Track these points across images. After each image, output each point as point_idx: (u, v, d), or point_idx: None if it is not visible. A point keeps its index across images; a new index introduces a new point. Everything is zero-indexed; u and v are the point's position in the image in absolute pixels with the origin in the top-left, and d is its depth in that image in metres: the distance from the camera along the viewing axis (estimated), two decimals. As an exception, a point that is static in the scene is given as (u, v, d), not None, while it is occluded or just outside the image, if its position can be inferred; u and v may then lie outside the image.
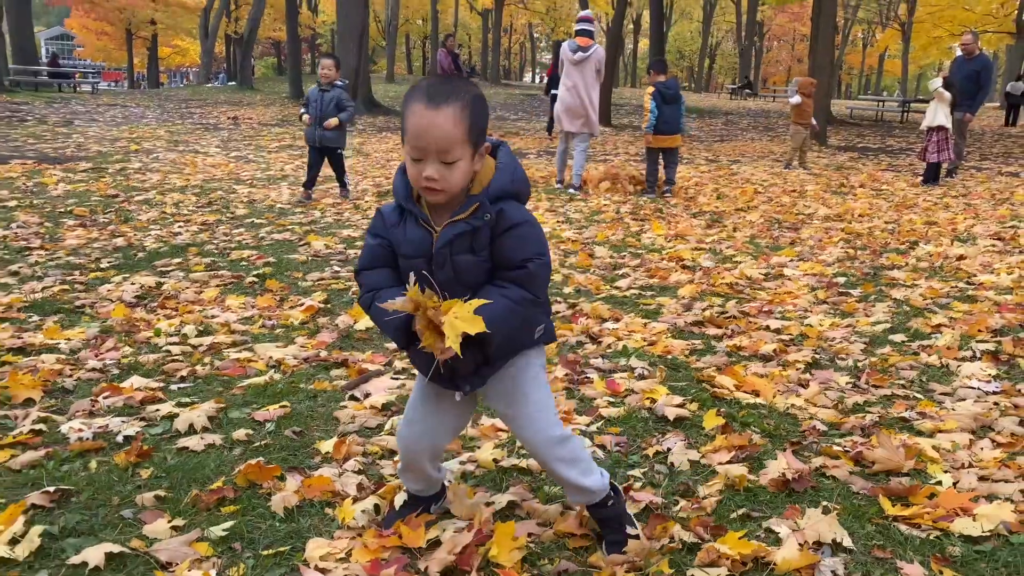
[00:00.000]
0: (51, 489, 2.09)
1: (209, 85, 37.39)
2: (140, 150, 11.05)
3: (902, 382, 3.14)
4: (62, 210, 6.33)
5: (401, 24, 45.98)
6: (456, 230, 1.68)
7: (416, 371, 1.90)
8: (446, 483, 2.13)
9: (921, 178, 10.18)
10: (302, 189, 7.45)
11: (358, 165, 10.36)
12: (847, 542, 1.96)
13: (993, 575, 1.86)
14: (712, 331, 3.76)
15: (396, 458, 1.94)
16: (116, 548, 1.85)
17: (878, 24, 49.19)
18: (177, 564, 1.79)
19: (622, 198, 8.28)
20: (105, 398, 2.73)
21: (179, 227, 5.91)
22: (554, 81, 14.76)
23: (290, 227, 6.09)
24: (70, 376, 2.96)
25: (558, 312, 4.07)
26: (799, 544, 1.93)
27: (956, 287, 4.70)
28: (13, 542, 1.85)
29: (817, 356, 3.43)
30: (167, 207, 6.71)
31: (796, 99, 11.45)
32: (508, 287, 1.69)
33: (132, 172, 8.77)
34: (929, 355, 3.44)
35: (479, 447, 2.46)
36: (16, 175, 8.10)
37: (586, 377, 3.12)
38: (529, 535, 1.97)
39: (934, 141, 9.74)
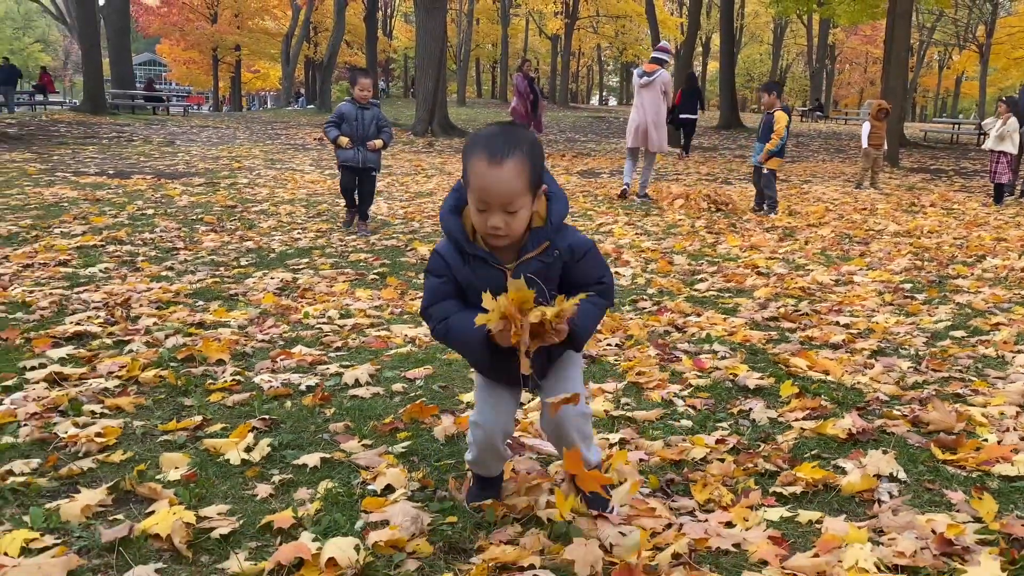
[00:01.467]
0: (264, 417, 2.69)
1: (290, 108, 39.05)
2: (242, 168, 11.95)
3: (959, 368, 3.53)
4: (193, 218, 7.11)
5: (472, 49, 47.21)
6: (530, 268, 1.86)
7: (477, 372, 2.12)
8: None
9: (993, 197, 10.35)
10: (346, 216, 7.08)
11: (444, 183, 11.02)
12: (902, 475, 2.40)
13: None
14: (786, 324, 4.20)
15: (466, 456, 2.18)
16: (327, 455, 2.42)
17: (955, 46, 48.32)
18: (374, 467, 2.35)
19: (696, 214, 8.72)
20: (281, 360, 3.35)
21: (297, 234, 6.61)
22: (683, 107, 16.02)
23: (394, 235, 6.73)
24: (245, 345, 3.59)
25: (644, 308, 4.56)
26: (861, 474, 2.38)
27: (1019, 294, 5.02)
28: (247, 450, 2.44)
29: (882, 346, 3.84)
30: (282, 216, 7.44)
31: (866, 126, 11.80)
32: (594, 296, 1.91)
33: (242, 186, 9.60)
34: (986, 348, 3.82)
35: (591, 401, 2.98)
36: (143, 188, 8.99)
37: (675, 356, 3.60)
38: (640, 460, 2.48)
39: (1001, 162, 9.95)
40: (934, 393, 3.16)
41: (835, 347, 3.82)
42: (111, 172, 10.55)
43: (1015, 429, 2.82)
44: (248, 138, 18.64)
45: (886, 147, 12.45)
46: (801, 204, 9.70)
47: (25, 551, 1.87)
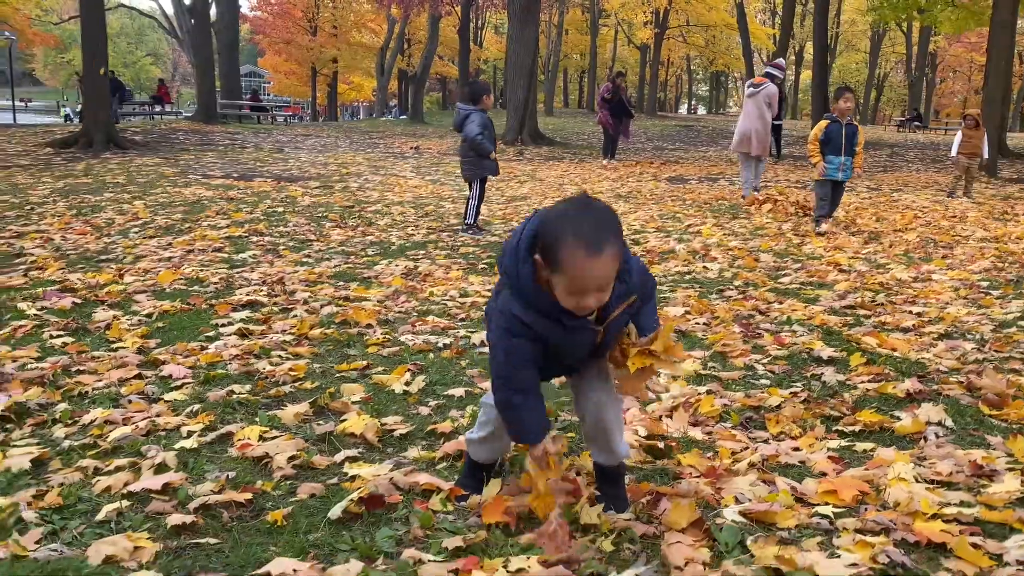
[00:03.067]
0: (416, 363, 3.34)
1: (384, 118, 40.57)
2: (350, 173, 12.87)
3: (1022, 351, 3.90)
4: (318, 215, 7.93)
5: (560, 60, 47.95)
6: (619, 323, 2.00)
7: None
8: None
9: (1091, 207, 10.30)
10: (474, 225, 7.27)
11: (538, 188, 11.65)
12: (949, 423, 2.85)
13: (1054, 444, 2.70)
14: (862, 312, 4.62)
15: (468, 435, 2.30)
16: (469, 389, 3.04)
17: (1066, 53, 46.27)
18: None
19: (783, 218, 9.07)
20: (418, 325, 4.00)
21: (411, 230, 7.33)
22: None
23: (496, 234, 7.37)
24: (386, 314, 4.26)
25: (730, 296, 5.04)
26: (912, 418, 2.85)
27: (1095, 293, 5.27)
28: (407, 384, 3.08)
29: (950, 331, 4.23)
30: (395, 216, 8.19)
31: (958, 136, 11.94)
32: (650, 306, 2.13)
33: (354, 189, 10.45)
34: (1051, 335, 4.16)
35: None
36: (268, 190, 9.93)
37: (758, 333, 4.09)
38: (723, 405, 3.00)
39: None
40: (992, 368, 3.56)
41: (905, 331, 4.22)
42: (235, 175, 11.60)
43: (1062, 397, 3.21)
44: (349, 146, 19.73)
45: (985, 155, 12.45)
46: (889, 211, 9.91)
47: (261, 439, 2.54)
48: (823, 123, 7.81)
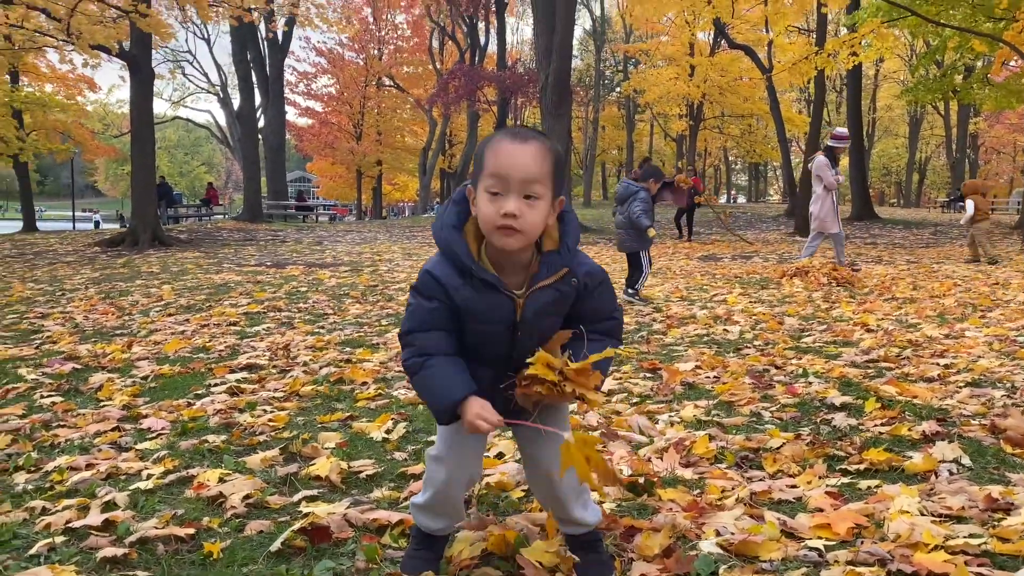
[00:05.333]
0: (401, 412, 3.22)
1: (426, 215, 41.44)
2: (382, 259, 13.02)
3: (1056, 398, 3.62)
4: (340, 293, 7.96)
5: (598, 154, 48.84)
6: (545, 297, 1.67)
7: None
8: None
9: None
10: (637, 294, 7.55)
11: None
12: (966, 461, 2.61)
13: (1083, 479, 2.45)
14: (885, 365, 4.38)
15: (412, 500, 1.93)
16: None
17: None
18: (491, 442, 2.80)
19: (814, 287, 8.84)
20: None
21: (430, 304, 7.28)
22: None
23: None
24: (386, 373, 4.17)
25: (747, 354, 4.84)
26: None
27: None
28: (388, 432, 2.96)
29: (979, 379, 3.97)
30: (417, 293, 8.18)
31: (970, 205, 11.96)
32: (604, 339, 1.75)
33: (383, 272, 10.53)
34: (1089, 383, 3.87)
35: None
36: (298, 274, 10.06)
37: (769, 384, 3.89)
38: (720, 446, 2.81)
39: None
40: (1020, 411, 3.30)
41: (929, 380, 3.98)
42: (268, 263, 11.81)
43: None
44: (388, 238, 20.09)
45: (991, 216, 12.70)
46: (928, 280, 9.61)
47: (221, 480, 2.43)
48: None
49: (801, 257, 10.41)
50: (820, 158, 10.46)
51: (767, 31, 27.82)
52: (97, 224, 38.02)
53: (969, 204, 11.99)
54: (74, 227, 28.02)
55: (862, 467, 2.57)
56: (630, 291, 7.59)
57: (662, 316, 6.39)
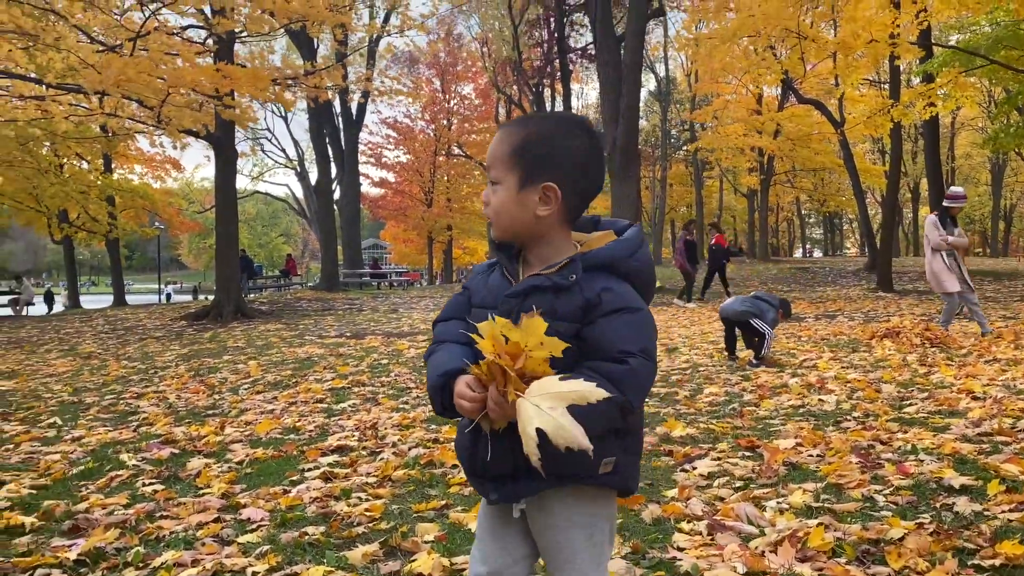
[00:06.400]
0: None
1: (496, 278, 41.79)
2: (459, 327, 13.10)
3: None
4: (420, 365, 8.00)
5: (667, 212, 48.65)
6: (534, 282, 1.48)
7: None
8: None
9: None
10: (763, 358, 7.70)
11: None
12: (1115, 555, 2.41)
13: None
14: (1000, 439, 4.13)
15: None
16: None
17: None
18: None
19: (907, 350, 8.49)
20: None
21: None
22: None
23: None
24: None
25: (847, 427, 4.63)
26: (1068, 551, 2.42)
27: None
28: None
29: (1110, 455, 3.69)
30: (497, 363, 8.16)
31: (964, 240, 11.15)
32: (598, 379, 1.36)
33: (460, 342, 10.57)
34: None
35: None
36: (377, 345, 10.19)
37: (878, 463, 3.69)
38: (837, 538, 2.65)
39: None
40: None
41: (1055, 457, 3.72)
42: (348, 334, 12.01)
43: None
44: (461, 304, 20.27)
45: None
46: (1030, 337, 9.12)
47: (325, 579, 2.40)
48: None
49: (942, 326, 9.63)
50: (930, 218, 10.00)
51: (836, 84, 27.50)
52: (168, 297, 39.65)
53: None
54: (159, 299, 29.26)
55: (997, 562, 2.38)
56: (755, 360, 7.54)
57: (751, 385, 6.20)
